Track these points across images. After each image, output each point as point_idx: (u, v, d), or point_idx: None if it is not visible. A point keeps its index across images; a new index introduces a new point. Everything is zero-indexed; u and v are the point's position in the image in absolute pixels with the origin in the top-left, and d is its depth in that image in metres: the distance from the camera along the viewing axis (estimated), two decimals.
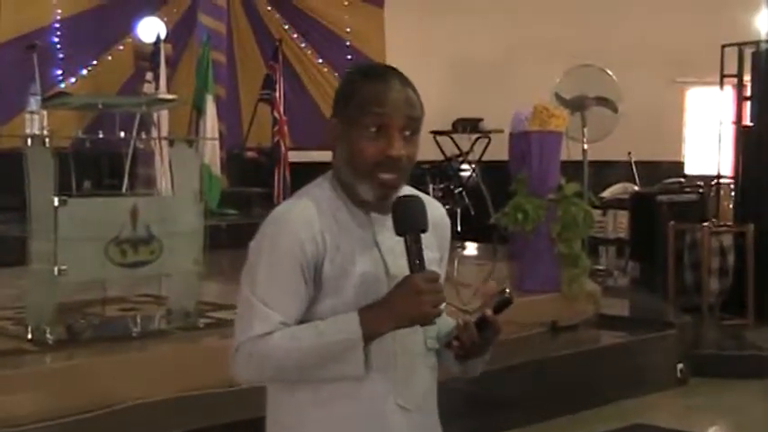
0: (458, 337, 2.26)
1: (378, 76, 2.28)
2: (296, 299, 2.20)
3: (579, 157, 9.22)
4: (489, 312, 2.25)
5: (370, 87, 2.24)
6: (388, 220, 2.23)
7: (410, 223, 2.20)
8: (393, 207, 2.21)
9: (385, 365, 2.23)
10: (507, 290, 2.30)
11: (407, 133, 2.24)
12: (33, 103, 7.59)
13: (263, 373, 2.22)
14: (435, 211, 2.39)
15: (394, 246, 2.24)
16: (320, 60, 14.12)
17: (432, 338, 2.32)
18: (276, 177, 11.96)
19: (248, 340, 2.17)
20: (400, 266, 2.21)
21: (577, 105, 9.36)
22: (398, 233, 2.19)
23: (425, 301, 2.13)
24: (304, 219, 2.21)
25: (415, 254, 2.17)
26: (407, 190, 2.33)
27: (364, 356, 2.16)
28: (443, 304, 2.17)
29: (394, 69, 2.33)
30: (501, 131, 10.99)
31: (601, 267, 10.22)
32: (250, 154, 12.82)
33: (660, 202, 9.96)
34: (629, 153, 12.40)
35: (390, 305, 2.16)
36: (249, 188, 11.96)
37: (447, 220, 2.48)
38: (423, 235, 2.22)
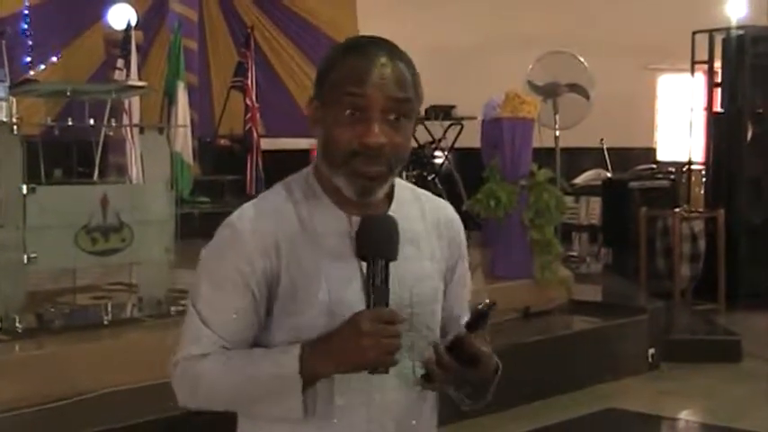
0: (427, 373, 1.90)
1: (359, 49, 1.92)
2: (240, 320, 1.90)
3: (551, 144, 9.27)
4: (463, 331, 1.90)
5: (349, 63, 1.90)
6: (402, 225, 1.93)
7: (374, 248, 1.86)
8: (359, 225, 1.89)
9: (355, 402, 1.92)
10: (487, 300, 1.92)
11: (392, 117, 1.88)
12: (1, 89, 7.51)
13: (195, 397, 1.94)
14: (440, 212, 2.09)
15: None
16: (292, 47, 14.08)
17: (420, 368, 1.94)
18: (249, 165, 11.91)
19: (183, 359, 1.93)
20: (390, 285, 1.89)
21: (550, 92, 9.40)
22: (359, 256, 1.88)
23: (368, 346, 1.78)
24: (256, 228, 1.90)
25: (372, 286, 1.84)
26: (403, 186, 2.05)
27: (302, 399, 1.84)
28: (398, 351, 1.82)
29: (384, 41, 1.96)
30: (474, 118, 10.99)
31: (573, 253, 10.27)
32: (222, 142, 12.76)
33: (632, 188, 10.02)
34: (602, 140, 12.43)
35: (330, 346, 1.83)
36: (222, 176, 11.91)
37: (457, 223, 2.12)
38: (422, 240, 1.99)
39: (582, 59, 9.56)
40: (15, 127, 5.48)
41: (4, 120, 6.70)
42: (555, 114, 9.46)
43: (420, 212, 2.05)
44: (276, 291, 1.90)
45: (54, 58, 12.08)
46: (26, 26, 12.09)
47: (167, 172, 6.08)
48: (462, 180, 11.33)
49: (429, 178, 12.32)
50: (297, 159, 9.10)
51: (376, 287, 1.83)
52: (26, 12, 12.15)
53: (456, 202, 9.63)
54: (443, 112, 12.52)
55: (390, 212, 1.97)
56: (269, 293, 1.90)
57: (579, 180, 11.43)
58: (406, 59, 1.94)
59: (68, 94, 6.37)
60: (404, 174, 12.25)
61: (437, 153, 12.55)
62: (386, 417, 1.95)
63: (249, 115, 11.98)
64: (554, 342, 6.68)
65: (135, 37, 10.50)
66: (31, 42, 12.01)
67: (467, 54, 13.40)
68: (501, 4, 13.34)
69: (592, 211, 10.91)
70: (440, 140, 12.49)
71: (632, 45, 12.68)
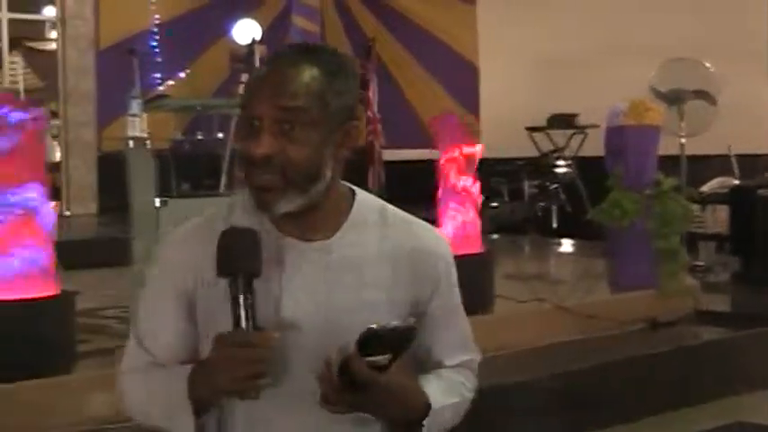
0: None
1: (268, 61, 1.85)
2: (175, 337, 1.87)
3: (676, 152, 9.11)
4: (353, 350, 1.69)
5: (255, 72, 1.85)
6: (312, 249, 1.86)
7: (233, 263, 1.74)
8: (219, 240, 1.76)
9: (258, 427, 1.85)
10: (410, 320, 1.74)
11: (286, 127, 1.76)
12: (134, 106, 7.74)
13: (129, 411, 1.94)
14: (410, 241, 1.92)
15: (311, 283, 1.84)
16: (413, 59, 14.16)
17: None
18: (370, 176, 12.03)
19: (119, 373, 1.94)
20: (306, 311, 1.82)
21: (674, 99, 9.25)
22: (219, 274, 1.75)
23: (224, 370, 1.70)
24: (188, 242, 1.87)
25: (236, 304, 1.72)
26: (371, 209, 1.94)
27: (194, 423, 1.78)
28: (264, 379, 1.71)
29: (306, 47, 1.85)
30: (597, 126, 10.89)
31: (700, 263, 10.07)
32: None
33: (761, 195, 9.78)
34: (730, 146, 12.18)
35: (204, 369, 1.78)
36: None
37: (434, 256, 1.94)
38: (367, 266, 1.87)
39: (708, 65, 9.39)
40: (148, 142, 5.65)
41: (138, 135, 6.90)
42: (680, 121, 9.31)
43: (378, 238, 1.91)
44: (195, 309, 1.87)
45: (181, 74, 12.40)
46: (155, 43, 12.45)
47: None
48: (586, 189, 11.22)
49: (551, 188, 12.25)
50: (418, 170, 9.17)
51: (238, 306, 1.72)
52: (155, 30, 12.52)
53: (579, 212, 9.60)
54: (566, 121, 12.45)
55: (335, 238, 1.87)
56: (191, 311, 1.88)
57: (705, 188, 11.21)
58: (326, 65, 1.81)
59: (198, 108, 6.54)
60: (526, 183, 12.23)
61: (559, 162, 12.47)
62: None
63: (371, 127, 12.11)
64: (681, 353, 6.56)
65: (258, 51, 10.71)
66: (159, 59, 12.36)
67: (588, 63, 13.27)
68: (620, 11, 13.18)
69: (718, 219, 10.68)
70: (562, 149, 12.41)
71: (758, 49, 12.40)
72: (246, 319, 1.71)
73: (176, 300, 1.87)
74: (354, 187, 1.99)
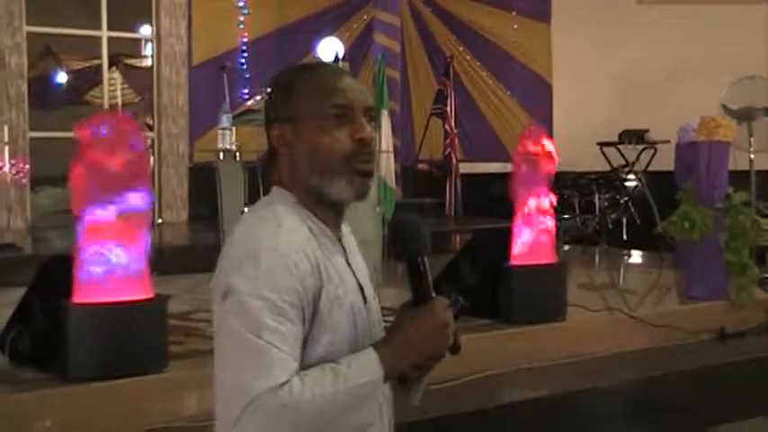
0: None
1: (319, 67, 1.96)
2: (299, 342, 1.78)
3: (746, 167, 8.96)
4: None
5: (316, 75, 1.89)
6: (347, 240, 1.96)
7: (420, 245, 1.85)
8: (396, 227, 1.87)
9: (379, 411, 1.88)
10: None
11: (367, 119, 1.87)
12: (224, 119, 7.83)
13: (282, 428, 1.71)
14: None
15: (360, 268, 1.96)
16: (489, 75, 14.13)
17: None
18: (448, 188, 12.04)
19: (267, 392, 1.69)
20: (369, 291, 1.95)
21: (745, 116, 9.11)
22: (409, 257, 1.84)
23: (449, 334, 1.82)
24: (298, 248, 1.79)
25: (425, 281, 1.84)
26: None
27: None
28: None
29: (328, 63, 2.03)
30: (667, 142, 10.76)
31: None
32: (422, 166, 12.92)
33: None
34: None
35: (415, 340, 1.81)
36: (422, 198, 12.05)
37: None
38: (360, 255, 1.99)
39: None
40: (237, 154, 5.71)
41: (228, 147, 6.98)
42: (750, 137, 9.16)
43: (350, 231, 2.05)
44: (318, 307, 1.81)
45: (269, 89, 12.53)
46: (243, 60, 12.59)
47: (374, 195, 6.21)
48: (656, 203, 11.08)
49: (622, 201, 12.13)
50: (493, 182, 9.15)
51: (424, 282, 1.83)
52: (244, 47, 12.67)
53: (649, 225, 9.48)
54: (636, 136, 12.32)
55: (346, 234, 1.99)
56: (313, 311, 1.81)
57: None
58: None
59: None
60: (597, 196, 12.12)
61: (630, 176, 12.33)
62: (386, 412, 1.94)
63: (448, 140, 12.11)
64: (751, 364, 6.44)
65: (342, 68, 10.78)
66: (248, 75, 12.51)
67: (658, 80, 13.13)
68: (691, 31, 13.03)
69: None
70: (633, 164, 12.28)
71: None
72: (431, 293, 1.83)
73: (301, 306, 1.78)
74: None
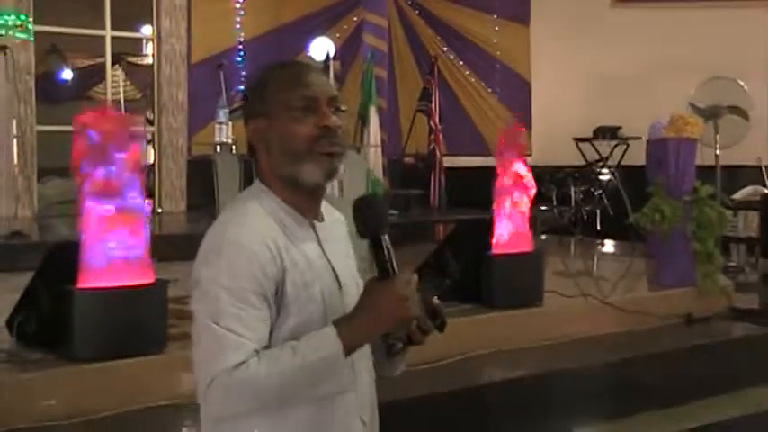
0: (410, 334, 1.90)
1: (288, 65, 2.03)
2: (264, 324, 1.84)
3: (712, 162, 9.00)
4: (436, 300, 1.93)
5: (285, 72, 1.98)
6: (327, 227, 2.00)
7: (381, 223, 1.88)
8: (358, 207, 1.90)
9: (352, 381, 1.92)
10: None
11: (332, 109, 1.95)
12: (221, 115, 7.84)
13: (242, 404, 1.81)
14: (343, 220, 2.11)
15: (338, 254, 2.00)
16: (471, 74, 14.13)
17: (395, 339, 1.92)
18: (432, 181, 12.04)
19: (223, 372, 1.79)
20: (346, 276, 1.98)
21: (711, 114, 9.15)
22: (370, 236, 1.88)
23: (411, 305, 1.83)
24: (260, 239, 1.85)
25: (387, 257, 1.86)
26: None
27: (350, 366, 1.87)
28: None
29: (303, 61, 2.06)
30: (639, 138, 10.79)
31: (732, 263, 9.92)
32: (408, 159, 12.92)
33: None
34: (759, 158, 11.99)
35: (374, 313, 1.83)
36: (408, 190, 12.06)
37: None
38: (346, 241, 2.05)
39: (742, 84, 9.26)
40: (234, 147, 5.69)
41: (224, 141, 6.98)
42: (715, 134, 9.20)
43: (333, 219, 2.08)
44: (283, 294, 1.87)
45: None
46: (240, 59, 12.56)
47: (363, 187, 6.21)
48: (628, 195, 11.12)
49: (596, 194, 12.16)
50: (475, 176, 9.15)
51: (386, 258, 1.85)
52: (240, 46, 12.64)
53: (621, 216, 9.52)
54: (610, 133, 12.35)
55: (327, 222, 2.03)
56: (276, 298, 1.86)
57: (738, 195, 11.04)
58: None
59: None
60: (572, 189, 12.15)
61: (604, 170, 12.37)
62: (366, 398, 2.00)
63: (433, 136, 12.12)
64: (716, 346, 6.48)
65: (333, 66, 10.77)
66: (244, 73, 12.48)
67: (630, 80, 13.16)
68: (663, 33, 13.07)
69: (750, 224, 10.51)
70: (606, 158, 12.31)
71: None
72: (393, 268, 1.85)
73: (262, 292, 1.85)
74: None
